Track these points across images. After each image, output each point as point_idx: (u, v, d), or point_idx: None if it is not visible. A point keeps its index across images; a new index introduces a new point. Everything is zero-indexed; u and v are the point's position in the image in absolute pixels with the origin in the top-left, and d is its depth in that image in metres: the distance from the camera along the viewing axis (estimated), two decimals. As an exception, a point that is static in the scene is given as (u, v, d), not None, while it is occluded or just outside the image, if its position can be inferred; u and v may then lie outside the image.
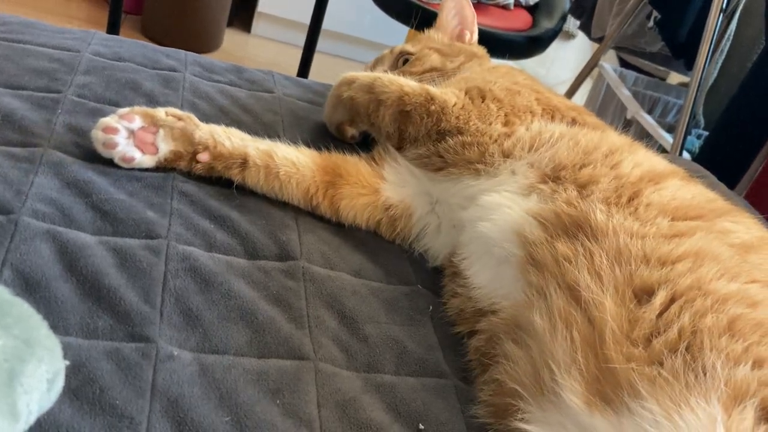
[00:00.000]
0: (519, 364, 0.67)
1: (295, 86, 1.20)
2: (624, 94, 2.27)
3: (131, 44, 1.14)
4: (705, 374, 0.58)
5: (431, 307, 0.82)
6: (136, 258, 0.72)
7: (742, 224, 0.78)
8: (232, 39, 2.91)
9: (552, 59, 3.46)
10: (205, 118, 0.94)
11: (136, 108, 0.85)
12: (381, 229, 0.92)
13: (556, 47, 2.49)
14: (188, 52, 1.19)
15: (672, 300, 0.64)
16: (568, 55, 3.61)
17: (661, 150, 1.93)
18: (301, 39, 2.18)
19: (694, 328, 0.61)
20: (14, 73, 0.95)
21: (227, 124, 0.92)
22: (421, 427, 0.66)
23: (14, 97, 0.90)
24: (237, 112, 1.05)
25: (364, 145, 1.04)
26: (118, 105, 0.95)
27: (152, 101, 0.99)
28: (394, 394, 0.68)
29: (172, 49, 1.18)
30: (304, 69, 2.10)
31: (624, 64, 2.77)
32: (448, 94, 0.92)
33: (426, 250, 0.91)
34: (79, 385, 0.58)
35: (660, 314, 0.63)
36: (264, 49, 2.98)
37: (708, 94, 2.13)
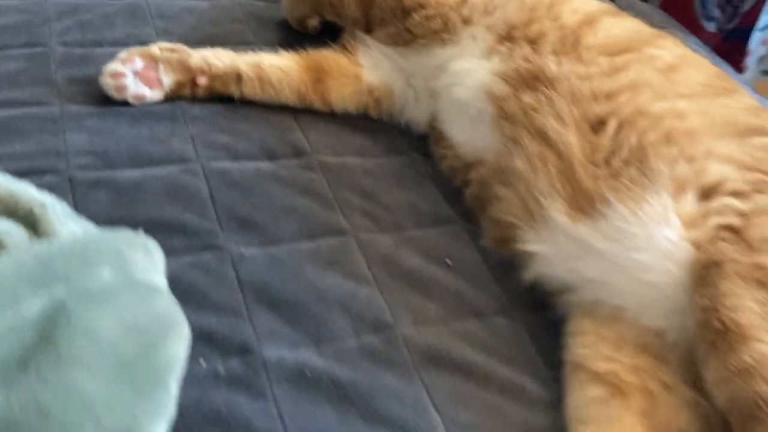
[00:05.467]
0: (510, 201, 0.85)
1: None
2: None
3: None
4: (654, 176, 0.77)
5: (430, 169, 0.98)
6: (183, 183, 0.84)
7: (666, 48, 0.94)
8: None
9: None
10: (182, 41, 1.01)
11: (133, 49, 0.93)
12: (370, 111, 1.04)
13: None
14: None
15: (620, 126, 0.81)
16: None
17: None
18: None
19: (640, 144, 0.79)
20: (-8, 34, 0.99)
21: (202, 41, 1.01)
22: (449, 262, 0.84)
23: (5, 59, 0.96)
24: (206, 27, 1.12)
25: (327, 34, 1.13)
26: (101, 46, 1.01)
27: (130, 36, 1.05)
28: (422, 243, 0.85)
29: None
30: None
31: None
32: None
33: (410, 120, 1.05)
34: (182, 292, 0.71)
35: (613, 138, 0.81)
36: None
37: None
